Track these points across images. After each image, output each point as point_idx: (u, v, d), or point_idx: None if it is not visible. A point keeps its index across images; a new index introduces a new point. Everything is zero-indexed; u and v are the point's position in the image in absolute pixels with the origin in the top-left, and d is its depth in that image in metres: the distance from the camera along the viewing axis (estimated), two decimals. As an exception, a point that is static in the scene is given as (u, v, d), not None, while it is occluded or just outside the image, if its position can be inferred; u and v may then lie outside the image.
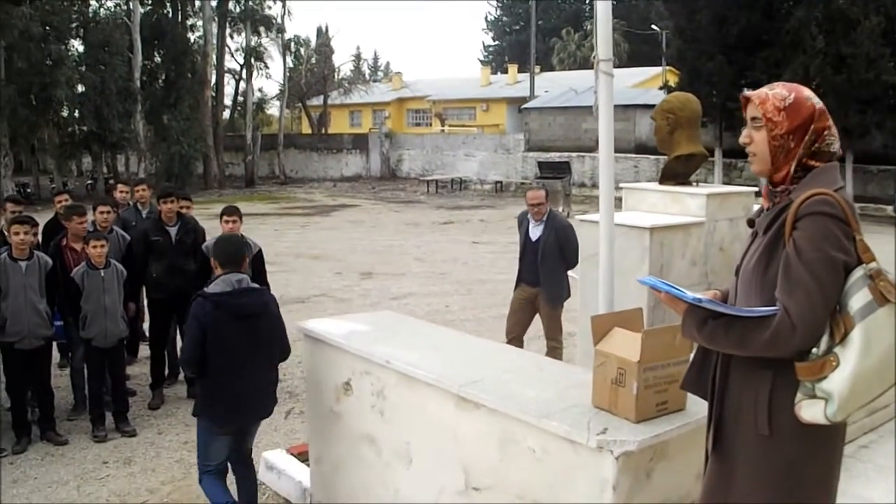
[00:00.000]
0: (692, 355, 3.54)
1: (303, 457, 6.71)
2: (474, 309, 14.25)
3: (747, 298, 3.10)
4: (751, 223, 3.29)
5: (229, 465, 6.10)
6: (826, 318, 2.84)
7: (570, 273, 9.35)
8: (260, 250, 9.19)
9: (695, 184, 7.35)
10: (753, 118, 3.14)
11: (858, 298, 2.81)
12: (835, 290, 2.83)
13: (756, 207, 3.51)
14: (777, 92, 3.10)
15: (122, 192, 12.09)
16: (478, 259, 19.87)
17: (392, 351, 5.15)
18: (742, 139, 3.20)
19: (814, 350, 2.85)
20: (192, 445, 7.99)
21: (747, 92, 3.20)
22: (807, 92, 3.13)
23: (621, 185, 7.63)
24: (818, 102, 3.11)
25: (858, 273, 2.84)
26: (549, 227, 9.31)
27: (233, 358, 5.70)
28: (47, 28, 35.41)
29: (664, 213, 6.80)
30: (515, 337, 9.64)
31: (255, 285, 6.21)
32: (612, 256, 5.30)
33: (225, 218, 8.96)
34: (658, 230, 6.41)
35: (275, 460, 7.03)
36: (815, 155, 3.07)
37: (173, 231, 9.60)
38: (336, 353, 5.59)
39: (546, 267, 9.30)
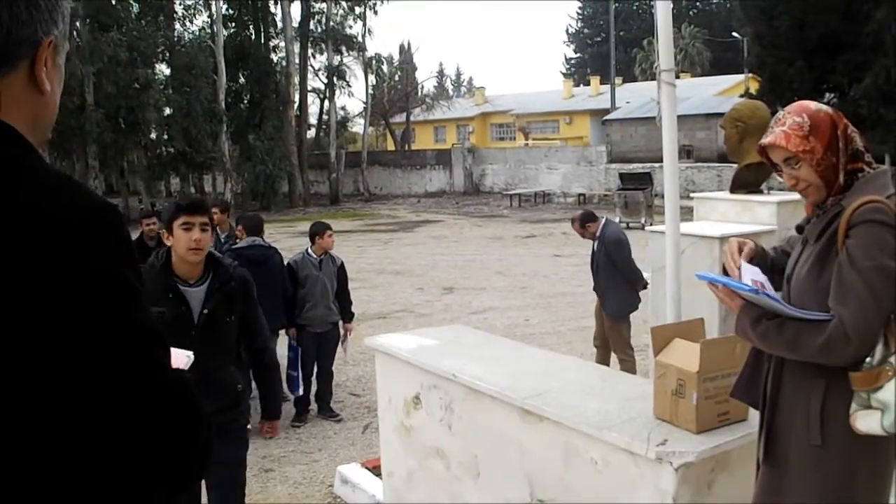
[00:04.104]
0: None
1: (376, 470, 6.75)
2: (554, 322, 14.19)
3: (801, 307, 3.07)
4: (800, 229, 3.26)
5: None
6: (880, 328, 2.82)
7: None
8: (342, 264, 9.80)
9: (766, 192, 7.26)
10: (786, 160, 3.11)
11: None
12: (889, 299, 2.80)
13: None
14: (792, 122, 3.06)
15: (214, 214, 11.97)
16: (559, 272, 19.78)
17: (459, 364, 5.17)
18: (788, 183, 3.17)
19: (868, 359, 2.82)
20: (269, 461, 8.14)
21: (763, 141, 3.17)
22: (813, 105, 3.12)
23: (692, 194, 7.58)
24: (826, 107, 3.11)
25: None
26: (601, 242, 9.42)
27: None
28: (134, 52, 36.19)
29: (735, 222, 6.72)
30: (601, 344, 9.72)
31: (265, 243, 9.28)
32: (678, 267, 5.27)
33: (328, 233, 9.59)
34: (728, 239, 6.33)
35: (349, 474, 7.09)
36: (853, 157, 3.05)
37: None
38: (405, 368, 5.63)
39: (600, 279, 9.42)
